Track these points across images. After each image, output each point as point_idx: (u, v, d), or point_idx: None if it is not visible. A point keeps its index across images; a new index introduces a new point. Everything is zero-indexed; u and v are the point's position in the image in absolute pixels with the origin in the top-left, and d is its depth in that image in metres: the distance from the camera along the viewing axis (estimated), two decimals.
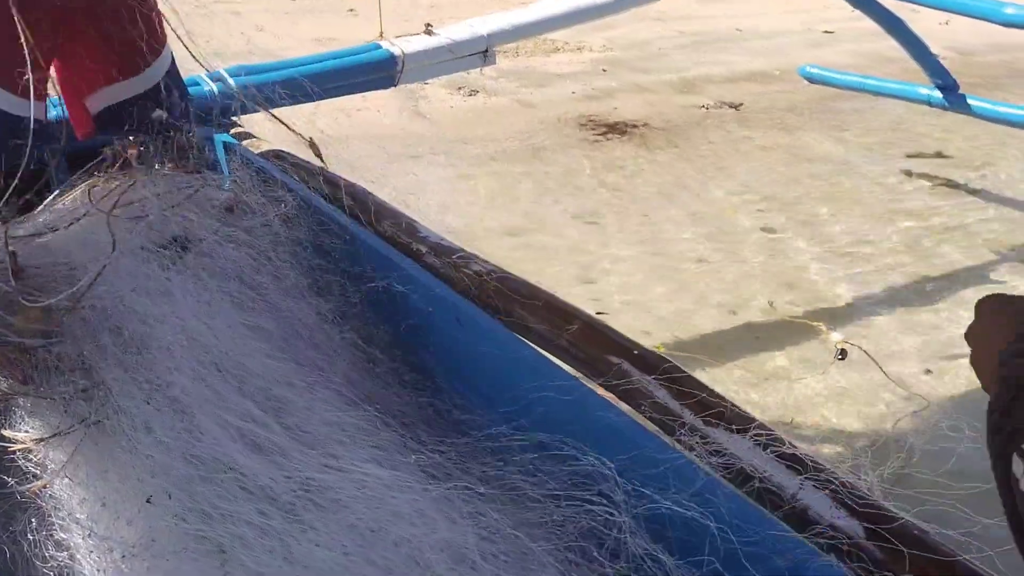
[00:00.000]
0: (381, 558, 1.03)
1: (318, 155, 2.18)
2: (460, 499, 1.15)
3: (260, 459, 1.26)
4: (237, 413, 1.36)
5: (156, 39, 2.13)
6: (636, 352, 1.35)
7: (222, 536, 1.15)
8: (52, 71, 2.11)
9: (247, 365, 1.47)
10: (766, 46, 8.27)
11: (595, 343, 1.37)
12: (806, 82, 5.11)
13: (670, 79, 7.37)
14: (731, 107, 6.69)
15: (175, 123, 2.21)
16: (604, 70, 7.63)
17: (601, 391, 1.36)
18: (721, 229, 4.58)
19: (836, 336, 3.35)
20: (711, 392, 1.24)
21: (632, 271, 4.11)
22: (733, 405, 1.26)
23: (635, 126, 6.29)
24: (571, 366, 1.44)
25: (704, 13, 8.48)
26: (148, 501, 1.31)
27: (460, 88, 6.90)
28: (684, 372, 1.30)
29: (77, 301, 1.41)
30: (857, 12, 4.13)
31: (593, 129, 6.24)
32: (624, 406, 1.29)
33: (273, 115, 2.16)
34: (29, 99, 1.99)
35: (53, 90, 2.19)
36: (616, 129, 6.24)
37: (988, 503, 0.96)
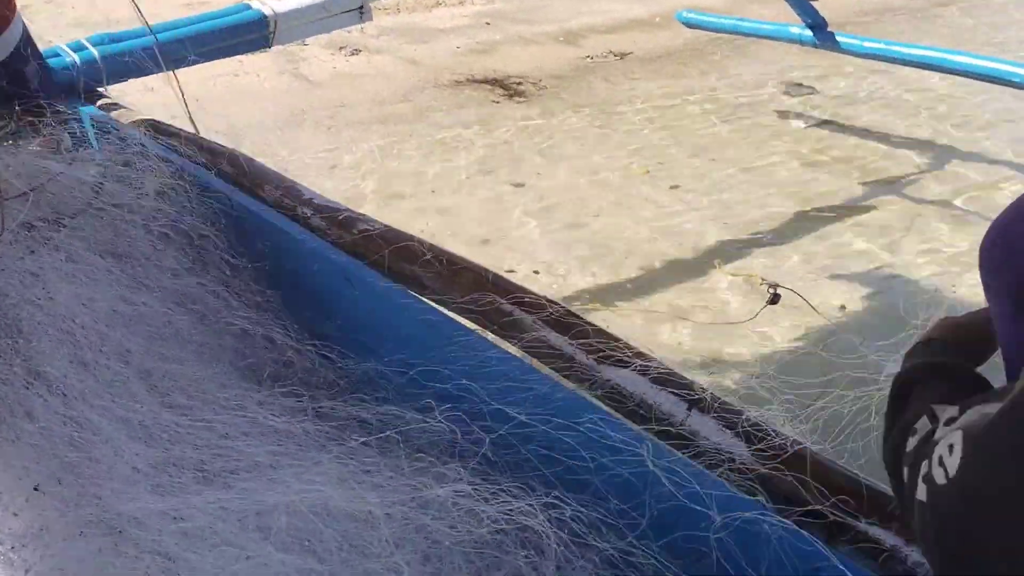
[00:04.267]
0: (269, 520, 1.02)
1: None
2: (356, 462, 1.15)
3: (149, 440, 1.22)
4: (121, 394, 1.31)
5: (6, 6, 2.01)
6: (527, 299, 1.36)
7: (114, 517, 1.11)
8: None
9: (130, 344, 1.42)
10: None
11: (485, 292, 1.37)
12: (684, 27, 5.20)
13: (554, 30, 7.36)
14: (616, 56, 6.74)
15: (35, 96, 2.09)
16: (487, 23, 7.56)
17: (495, 339, 1.38)
18: (613, 180, 4.64)
19: (759, 281, 3.45)
20: (603, 333, 1.27)
21: (526, 227, 4.13)
22: (626, 344, 1.30)
23: (521, 81, 6.28)
24: (465, 317, 1.45)
25: None
26: (36, 489, 1.26)
27: (341, 48, 6.73)
28: (576, 316, 1.33)
29: None
30: None
31: (480, 85, 6.19)
32: (520, 353, 1.31)
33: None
34: None
35: None
36: (502, 84, 6.21)
37: None
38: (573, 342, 1.29)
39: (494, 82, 6.26)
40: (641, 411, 1.13)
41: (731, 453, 1.04)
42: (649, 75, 6.40)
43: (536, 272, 3.74)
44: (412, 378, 1.27)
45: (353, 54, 6.75)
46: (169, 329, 1.44)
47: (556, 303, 1.37)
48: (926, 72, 4.47)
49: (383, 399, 1.25)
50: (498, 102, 5.93)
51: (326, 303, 1.55)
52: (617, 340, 1.29)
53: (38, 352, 1.38)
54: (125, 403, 1.28)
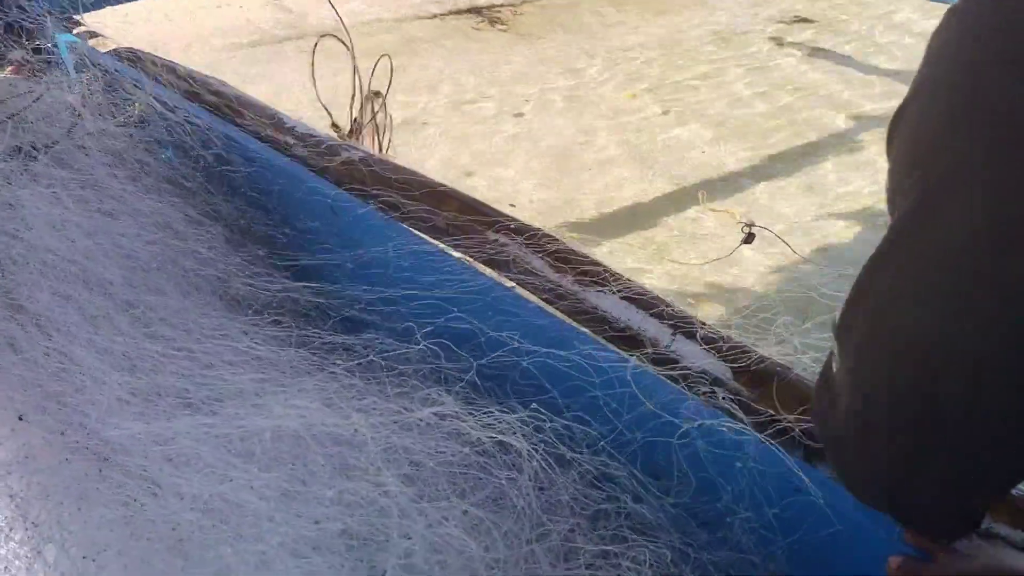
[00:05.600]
0: (252, 445, 1.02)
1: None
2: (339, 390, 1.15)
3: (133, 369, 1.22)
4: (103, 325, 1.30)
5: None
6: (512, 225, 1.35)
7: (99, 445, 1.12)
8: None
9: (109, 274, 1.40)
10: None
11: (472, 218, 1.36)
12: None
13: None
14: None
15: (12, 23, 2.04)
16: None
17: (480, 267, 1.37)
18: (603, 109, 4.58)
19: (737, 217, 3.42)
20: (587, 258, 1.26)
21: (514, 156, 4.09)
22: (611, 270, 1.29)
23: (500, 7, 6.18)
24: (449, 245, 1.44)
25: None
26: (20, 419, 1.27)
27: None
28: (560, 241, 1.32)
29: None
30: None
31: (466, 15, 6.08)
32: (507, 282, 1.30)
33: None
34: None
35: None
36: (485, 14, 6.10)
37: None
38: (558, 267, 1.28)
39: (476, 11, 6.15)
40: (626, 336, 1.13)
41: (714, 375, 1.04)
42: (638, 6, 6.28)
43: (512, 205, 3.71)
44: (396, 306, 1.26)
45: None
46: (150, 260, 1.42)
47: (540, 229, 1.36)
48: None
49: (367, 326, 1.25)
50: (484, 31, 5.82)
51: (310, 232, 1.53)
52: (602, 265, 1.28)
53: (18, 284, 1.37)
54: (107, 334, 1.28)
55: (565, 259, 1.27)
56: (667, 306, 1.21)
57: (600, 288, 1.22)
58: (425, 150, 4.07)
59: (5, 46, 1.96)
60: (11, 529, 1.07)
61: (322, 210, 1.55)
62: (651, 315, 1.15)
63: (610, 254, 3.20)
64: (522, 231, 1.34)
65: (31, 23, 2.13)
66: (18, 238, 1.43)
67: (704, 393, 1.02)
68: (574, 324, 1.20)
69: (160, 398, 1.15)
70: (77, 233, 1.45)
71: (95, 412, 1.18)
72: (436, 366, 1.11)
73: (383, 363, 1.11)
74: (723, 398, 1.00)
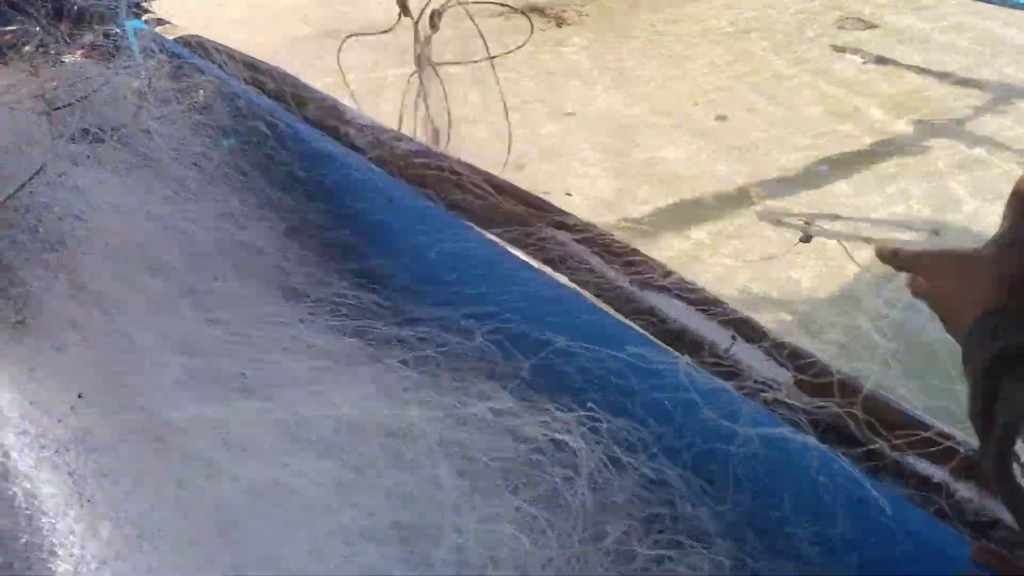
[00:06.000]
0: (308, 432, 1.03)
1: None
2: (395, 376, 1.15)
3: (190, 352, 1.23)
4: (164, 308, 1.32)
5: None
6: (570, 223, 1.33)
7: (156, 425, 1.13)
8: None
9: (170, 258, 1.42)
10: None
11: (528, 213, 1.35)
12: None
13: None
14: None
15: (83, 8, 2.08)
16: None
17: (538, 264, 1.36)
18: (666, 110, 4.54)
19: (797, 220, 3.37)
20: (646, 257, 1.24)
21: (573, 150, 4.07)
22: (669, 270, 1.27)
23: (566, 8, 6.15)
24: (506, 241, 1.43)
25: None
26: (80, 396, 1.28)
27: None
28: (617, 239, 1.30)
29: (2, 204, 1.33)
30: None
31: (531, 14, 6.08)
32: (562, 279, 1.29)
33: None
34: None
35: None
36: (549, 14, 6.09)
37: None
38: (615, 266, 1.27)
39: (538, 10, 6.13)
40: (684, 338, 1.11)
41: (774, 381, 1.02)
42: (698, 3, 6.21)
43: (569, 194, 3.69)
44: (453, 300, 1.25)
45: None
46: (209, 245, 1.43)
47: (597, 228, 1.34)
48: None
49: (424, 320, 1.24)
50: (548, 31, 5.81)
51: (368, 224, 1.53)
52: (660, 265, 1.26)
53: (82, 265, 1.39)
54: (168, 317, 1.29)
55: (621, 256, 1.25)
56: (725, 308, 1.18)
57: (657, 287, 1.20)
58: (480, 144, 4.06)
59: (77, 30, 2.00)
60: (67, 505, 1.09)
61: (379, 201, 1.56)
62: (709, 317, 1.13)
63: (664, 251, 3.17)
64: (578, 227, 1.33)
65: (102, 8, 2.17)
66: (83, 219, 1.46)
67: (763, 399, 0.99)
68: (631, 323, 1.18)
69: (217, 382, 1.16)
70: (140, 216, 1.47)
71: (153, 393, 1.20)
72: (492, 362, 1.11)
73: (439, 358, 1.11)
74: (783, 405, 0.98)
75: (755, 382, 1.02)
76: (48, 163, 1.46)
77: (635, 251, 1.32)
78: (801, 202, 3.60)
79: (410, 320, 1.23)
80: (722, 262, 3.18)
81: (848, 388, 1.00)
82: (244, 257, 1.42)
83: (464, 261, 1.35)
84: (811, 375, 1.05)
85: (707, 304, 1.18)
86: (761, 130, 4.26)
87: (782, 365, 1.08)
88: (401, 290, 1.36)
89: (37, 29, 1.95)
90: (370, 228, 1.51)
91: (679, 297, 1.17)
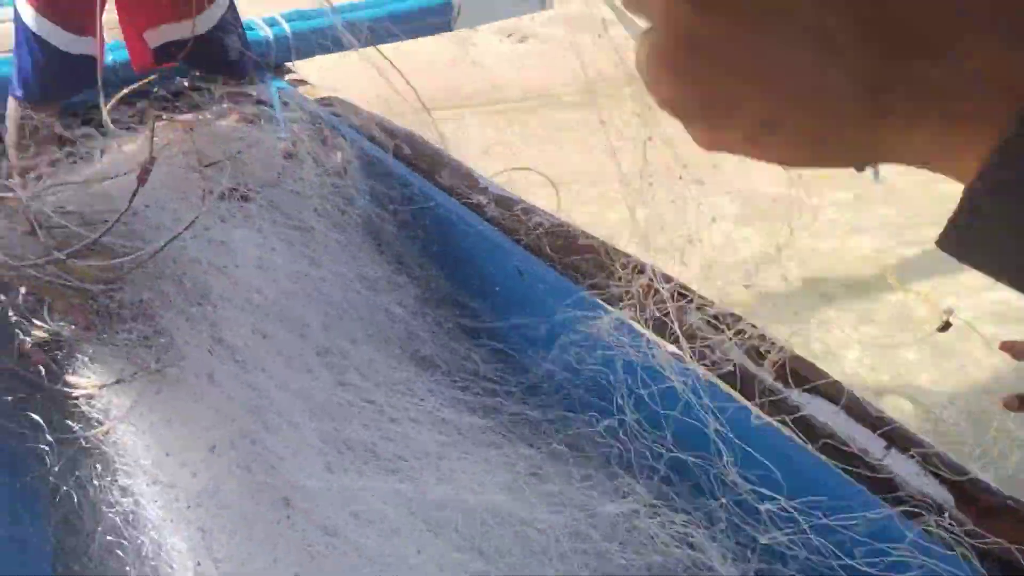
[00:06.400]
0: (439, 514, 1.01)
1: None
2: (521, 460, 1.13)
3: (321, 415, 1.24)
4: (298, 367, 1.34)
5: None
6: (711, 310, 1.30)
7: (285, 487, 1.14)
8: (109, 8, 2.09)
9: (307, 318, 1.45)
10: None
11: (664, 299, 1.32)
12: None
13: None
14: None
15: (234, 67, 2.18)
16: None
17: (673, 349, 1.32)
18: (784, 178, 4.45)
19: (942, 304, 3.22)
20: (793, 354, 1.19)
21: (694, 221, 4.02)
22: (813, 365, 1.22)
23: None
24: (639, 322, 1.40)
25: None
26: (211, 450, 1.31)
27: (510, 35, 6.76)
28: (761, 331, 1.25)
29: (153, 255, 1.39)
30: None
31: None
32: (700, 369, 1.25)
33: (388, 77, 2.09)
34: (85, 37, 1.98)
35: (109, 34, 2.17)
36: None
37: None
38: (758, 359, 1.22)
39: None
40: (832, 443, 1.05)
41: (937, 503, 0.95)
42: None
43: (684, 263, 3.63)
44: (585, 381, 1.23)
45: (521, 41, 6.77)
46: (345, 307, 1.46)
47: (737, 316, 1.30)
48: None
49: (553, 400, 1.23)
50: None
51: (499, 295, 1.53)
52: (804, 361, 1.21)
53: (223, 319, 1.43)
54: (302, 376, 1.31)
55: (767, 353, 1.21)
56: (873, 409, 1.12)
57: (804, 384, 1.15)
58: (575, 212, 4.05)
59: (227, 89, 2.09)
60: (198, 563, 1.10)
61: (510, 273, 1.56)
62: (858, 419, 1.07)
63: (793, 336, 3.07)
64: (720, 315, 1.29)
65: (250, 68, 2.27)
66: (226, 274, 1.50)
67: (924, 521, 0.92)
68: (772, 420, 1.13)
69: (347, 448, 1.16)
70: (280, 274, 1.51)
71: (284, 453, 1.21)
72: (626, 452, 1.07)
73: (570, 443, 1.08)
74: (946, 531, 0.91)
75: (913, 499, 0.95)
76: (198, 218, 1.52)
77: (773, 340, 1.28)
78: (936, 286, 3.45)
79: (541, 402, 1.21)
80: (854, 342, 3.06)
81: (1020, 514, 0.92)
82: (377, 321, 1.43)
83: (597, 342, 1.33)
84: (974, 494, 0.97)
85: (853, 404, 1.12)
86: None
87: (938, 478, 1.01)
88: (533, 368, 1.34)
89: (190, 86, 2.06)
90: (500, 301, 1.51)
91: (825, 396, 1.12)
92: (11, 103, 2.05)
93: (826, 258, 3.74)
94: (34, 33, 1.94)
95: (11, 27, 2.25)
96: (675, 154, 1.21)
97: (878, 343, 2.98)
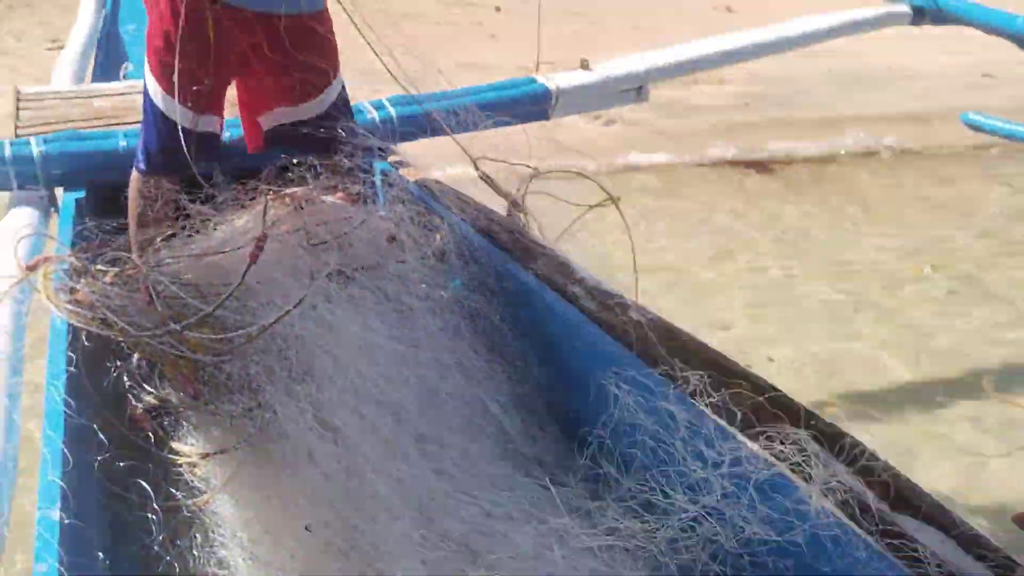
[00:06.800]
0: None
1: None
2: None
3: (417, 504, 1.25)
4: (395, 452, 1.36)
5: (332, 67, 2.21)
6: (820, 426, 1.28)
7: None
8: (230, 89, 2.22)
9: (405, 402, 1.48)
10: (920, 87, 7.90)
11: (771, 410, 1.30)
12: (967, 129, 4.85)
13: (817, 116, 7.13)
14: (886, 149, 6.41)
15: (343, 149, 2.27)
16: (747, 104, 7.45)
17: (769, 457, 1.30)
18: (873, 282, 4.36)
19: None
20: (897, 475, 1.17)
21: (773, 320, 3.96)
22: (917, 488, 1.19)
23: (777, 163, 6.12)
24: (734, 427, 1.38)
25: (854, 50, 8.18)
26: (307, 529, 1.33)
27: (597, 117, 6.87)
28: (866, 448, 1.23)
29: (264, 330, 1.44)
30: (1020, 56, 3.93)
31: (733, 164, 6.10)
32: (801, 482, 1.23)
33: (484, 178, 2.17)
34: (204, 115, 2.10)
35: (229, 111, 2.30)
36: (756, 165, 6.08)
37: None
38: (858, 477, 1.20)
39: (747, 162, 6.14)
40: None
41: None
42: (920, 174, 6.01)
43: (771, 359, 3.57)
44: (687, 492, 1.22)
45: (608, 124, 6.87)
46: (442, 394, 1.48)
47: (842, 432, 1.28)
48: None
49: (647, 509, 1.22)
50: (749, 180, 5.80)
51: (591, 392, 1.53)
52: (911, 484, 1.18)
53: (324, 398, 1.47)
54: (398, 462, 1.33)
55: (871, 472, 1.18)
56: (988, 543, 1.09)
57: (911, 509, 1.12)
58: (681, 300, 4.03)
59: (334, 171, 2.18)
60: None
61: (604, 370, 1.55)
62: (976, 557, 1.03)
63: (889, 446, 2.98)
64: (826, 432, 1.27)
65: (357, 150, 2.36)
66: (329, 353, 1.55)
67: None
68: (877, 546, 1.10)
69: (442, 541, 1.17)
70: (380, 356, 1.54)
71: (378, 539, 1.22)
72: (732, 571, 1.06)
73: (670, 553, 1.07)
74: None
75: None
76: (306, 297, 1.57)
77: (877, 459, 1.25)
78: None
79: (640, 505, 1.20)
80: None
81: None
82: (473, 412, 1.45)
83: (690, 448, 1.32)
84: None
85: (965, 535, 1.09)
86: None
87: None
88: (623, 468, 1.34)
89: (299, 165, 2.15)
90: (595, 399, 1.51)
91: (936, 524, 1.09)
92: (134, 175, 2.17)
93: None
94: (162, 112, 2.06)
95: (138, 100, 2.41)
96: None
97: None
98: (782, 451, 1.19)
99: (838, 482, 1.12)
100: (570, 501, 1.24)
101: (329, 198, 1.97)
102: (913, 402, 3.40)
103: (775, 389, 1.41)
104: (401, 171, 2.44)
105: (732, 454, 1.20)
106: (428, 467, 1.31)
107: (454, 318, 1.72)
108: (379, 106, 2.69)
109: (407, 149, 2.76)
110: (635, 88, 2.94)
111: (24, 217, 2.18)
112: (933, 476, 2.79)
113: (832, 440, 1.28)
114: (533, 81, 2.86)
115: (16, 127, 2.61)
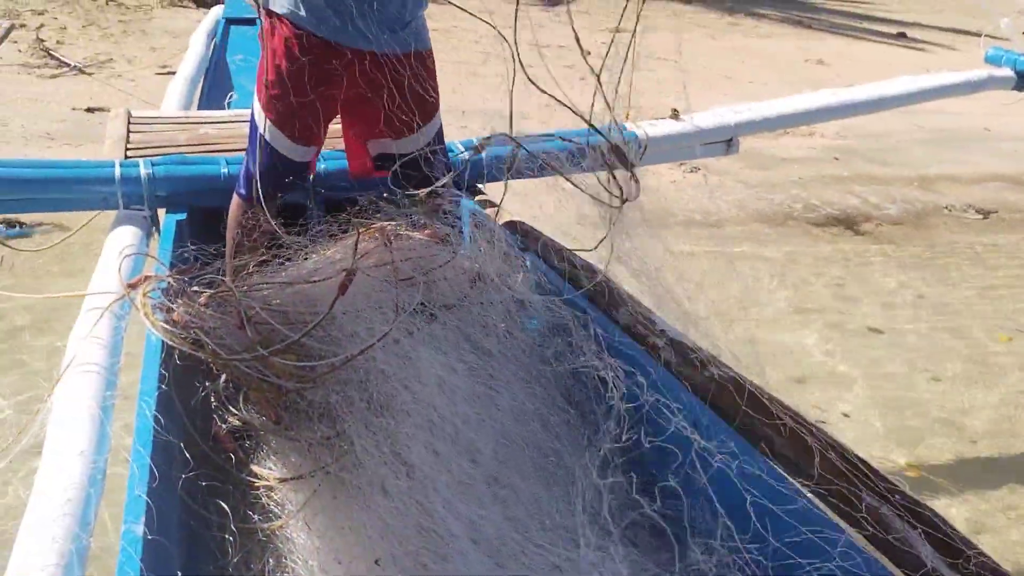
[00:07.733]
0: None
1: None
2: None
3: (487, 548, 1.25)
4: (468, 493, 1.37)
5: (434, 104, 2.27)
6: (894, 491, 1.24)
7: None
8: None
9: (480, 443, 1.49)
10: (1017, 149, 7.68)
11: (850, 474, 1.27)
12: None
13: (908, 175, 6.97)
14: (979, 212, 6.22)
15: (435, 187, 2.32)
16: (836, 158, 7.34)
17: (847, 527, 1.27)
18: (966, 346, 4.22)
19: None
20: (968, 544, 1.12)
21: (855, 384, 3.86)
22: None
23: (866, 220, 5.99)
24: (812, 492, 1.35)
25: (950, 109, 7.99)
26: (376, 563, 1.35)
27: (682, 165, 6.85)
28: (937, 515, 1.19)
29: (348, 361, 1.47)
30: None
31: (819, 219, 5.99)
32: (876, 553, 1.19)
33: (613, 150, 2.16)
34: (307, 147, 2.18)
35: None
36: (844, 221, 5.96)
37: None
38: (944, 555, 1.15)
39: (835, 218, 6.03)
40: None
41: None
42: (1018, 235, 5.81)
43: (846, 415, 3.49)
44: (759, 561, 1.19)
45: (692, 171, 6.84)
46: (519, 440, 1.49)
47: (925, 504, 1.24)
48: None
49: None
50: (836, 237, 5.69)
51: (669, 447, 1.52)
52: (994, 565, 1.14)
53: (401, 432, 1.49)
54: (470, 503, 1.34)
55: (958, 552, 1.14)
56: None
57: None
58: (767, 354, 3.96)
59: (424, 207, 2.22)
60: None
61: (682, 425, 1.54)
62: None
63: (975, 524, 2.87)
64: (904, 500, 1.23)
65: (447, 188, 2.41)
66: (409, 389, 1.57)
67: None
68: None
69: None
70: (459, 396, 1.56)
71: None
72: None
73: None
74: None
75: None
76: (390, 331, 1.60)
77: (967, 542, 1.20)
78: None
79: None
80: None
81: None
82: (548, 461, 1.45)
83: (769, 511, 1.29)
84: None
85: None
86: None
87: None
88: (696, 530, 1.31)
89: (391, 200, 2.20)
90: (672, 457, 1.49)
91: None
92: (235, 201, 2.26)
93: None
94: (267, 142, 2.14)
95: (242, 128, 2.51)
96: None
97: None
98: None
99: (916, 556, 1.08)
100: (642, 564, 1.22)
101: (417, 235, 2.01)
102: (997, 473, 3.26)
103: (862, 461, 1.38)
104: (489, 211, 2.48)
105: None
106: (500, 512, 1.31)
107: (535, 364, 1.73)
108: (469, 145, 2.73)
109: (496, 189, 2.80)
110: (725, 140, 2.93)
111: (127, 236, 2.27)
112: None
113: (915, 515, 1.25)
114: (624, 128, 2.87)
115: (126, 148, 2.75)
